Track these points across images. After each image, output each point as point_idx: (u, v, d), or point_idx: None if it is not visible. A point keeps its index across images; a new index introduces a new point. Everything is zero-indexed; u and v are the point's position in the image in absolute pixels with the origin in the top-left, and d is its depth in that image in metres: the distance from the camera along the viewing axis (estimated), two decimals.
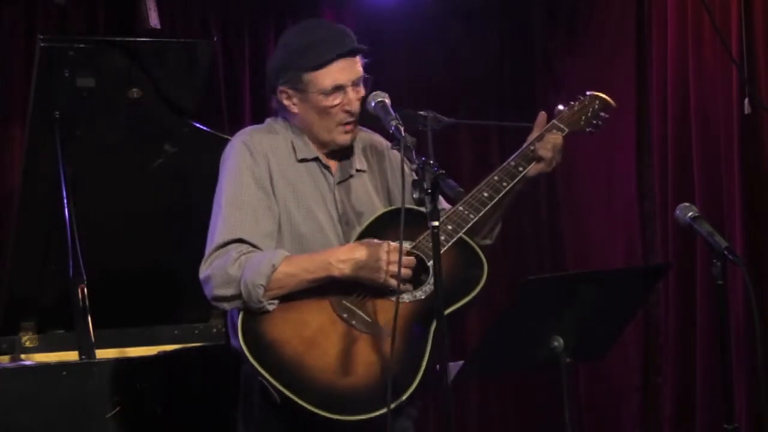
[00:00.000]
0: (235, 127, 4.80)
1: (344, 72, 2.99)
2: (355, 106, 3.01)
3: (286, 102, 3.04)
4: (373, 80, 3.04)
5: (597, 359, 3.19)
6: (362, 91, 3.02)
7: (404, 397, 2.75)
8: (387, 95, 2.96)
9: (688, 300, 4.89)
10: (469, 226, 2.96)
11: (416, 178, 2.67)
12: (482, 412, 5.77)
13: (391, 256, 2.83)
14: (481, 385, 5.69)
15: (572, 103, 3.24)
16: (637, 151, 5.29)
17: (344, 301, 2.89)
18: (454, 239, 2.93)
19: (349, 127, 3.04)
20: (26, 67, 4.71)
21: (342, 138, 3.05)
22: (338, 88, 2.99)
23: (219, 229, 2.95)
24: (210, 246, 2.95)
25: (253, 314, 2.87)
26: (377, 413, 2.73)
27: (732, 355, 4.55)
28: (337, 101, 3.00)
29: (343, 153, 3.11)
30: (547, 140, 3.09)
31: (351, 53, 3.01)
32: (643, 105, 5.23)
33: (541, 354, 2.88)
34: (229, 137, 4.00)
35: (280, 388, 2.76)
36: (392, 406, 2.70)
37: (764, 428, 4.29)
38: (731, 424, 3.01)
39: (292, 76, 3.00)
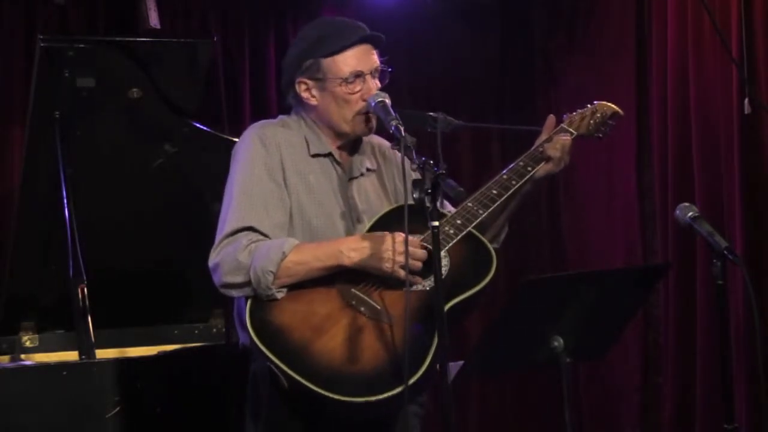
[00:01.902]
0: (235, 127, 4.84)
1: (362, 59, 3.02)
2: None
3: (304, 94, 3.05)
4: (390, 74, 3.06)
5: (597, 359, 3.19)
6: (379, 82, 3.04)
7: (410, 382, 2.73)
8: (387, 95, 2.97)
9: (688, 300, 4.89)
10: (478, 221, 2.98)
11: (417, 178, 2.68)
12: (482, 412, 5.77)
13: (399, 248, 2.85)
14: (481, 385, 5.69)
15: (580, 110, 3.26)
16: (637, 151, 5.29)
17: (353, 289, 2.90)
18: (463, 233, 2.95)
19: (368, 116, 3.04)
20: (26, 67, 4.72)
21: (361, 127, 3.06)
22: (357, 76, 3.01)
23: (230, 218, 2.95)
24: (220, 234, 2.95)
25: (261, 302, 2.87)
26: (384, 395, 2.73)
27: (732, 355, 4.56)
28: (357, 89, 3.01)
29: (356, 151, 3.12)
30: (556, 141, 3.13)
31: (367, 40, 3.04)
32: (643, 105, 5.23)
33: (541, 354, 2.88)
34: (230, 137, 4.06)
35: (288, 370, 2.76)
36: (400, 389, 2.70)
37: (764, 428, 4.30)
38: (731, 424, 3.01)
39: (310, 65, 3.02)
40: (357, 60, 3.01)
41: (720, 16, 4.64)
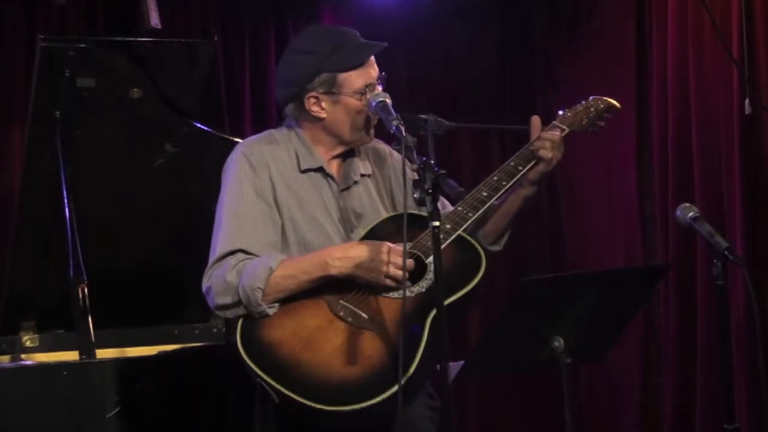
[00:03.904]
0: (235, 127, 4.85)
1: (372, 71, 3.02)
2: None
3: (314, 108, 3.02)
4: (386, 78, 3.06)
5: (598, 360, 3.19)
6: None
7: (394, 389, 2.72)
8: (388, 95, 2.97)
9: (688, 300, 4.89)
10: (467, 224, 2.96)
11: (417, 178, 2.67)
12: (482, 412, 5.77)
13: (388, 257, 2.84)
14: (481, 385, 5.69)
15: (575, 105, 3.24)
16: (637, 151, 5.29)
17: (341, 301, 2.90)
18: (453, 237, 2.93)
19: (373, 123, 3.05)
20: (26, 67, 4.72)
21: (369, 137, 3.08)
22: (369, 86, 3.01)
23: (220, 242, 2.96)
24: (211, 258, 2.96)
25: (253, 319, 2.88)
26: (374, 401, 2.73)
27: (732, 355, 4.55)
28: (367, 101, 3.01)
29: (348, 159, 3.11)
30: (545, 138, 3.08)
31: (374, 52, 3.04)
32: (643, 105, 5.23)
33: (541, 354, 2.88)
34: (230, 137, 4.06)
35: (277, 386, 2.76)
36: (387, 394, 2.71)
37: (764, 428, 4.30)
38: (731, 424, 3.01)
39: (326, 79, 3.00)
40: (369, 72, 3.01)
41: (720, 17, 4.64)
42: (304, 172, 3.05)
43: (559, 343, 2.86)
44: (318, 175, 3.06)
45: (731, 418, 3.03)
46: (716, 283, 2.99)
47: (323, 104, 3.02)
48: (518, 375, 5.39)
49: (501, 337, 2.84)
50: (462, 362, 2.81)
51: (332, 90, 3.00)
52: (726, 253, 2.96)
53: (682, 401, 4.96)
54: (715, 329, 4.43)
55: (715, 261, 2.97)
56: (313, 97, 3.02)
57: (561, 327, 2.86)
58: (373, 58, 3.04)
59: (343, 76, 2.99)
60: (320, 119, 3.04)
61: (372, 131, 3.07)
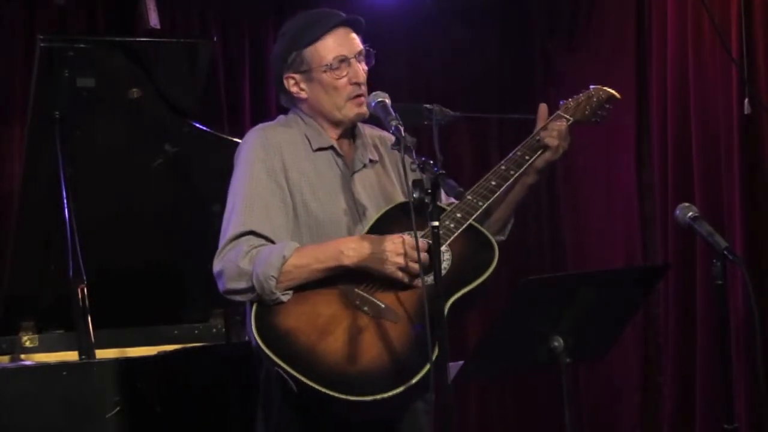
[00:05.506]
0: (235, 127, 4.86)
1: (343, 43, 3.03)
2: (362, 77, 3.03)
3: (293, 89, 3.06)
4: (375, 54, 3.06)
5: (597, 360, 3.19)
6: (365, 65, 3.05)
7: (414, 381, 2.73)
8: (387, 95, 2.96)
9: (688, 300, 4.89)
10: (478, 213, 2.98)
11: (417, 177, 2.68)
12: (482, 412, 5.77)
13: (399, 248, 2.85)
14: (481, 385, 5.70)
15: (576, 95, 3.26)
16: (637, 151, 5.30)
17: (356, 290, 2.90)
18: (464, 226, 2.94)
19: (360, 99, 3.05)
20: (26, 67, 4.72)
21: (354, 111, 3.06)
22: (342, 61, 3.01)
23: (232, 223, 2.96)
24: (223, 239, 2.96)
25: (267, 306, 2.88)
26: (392, 392, 2.72)
27: (732, 355, 4.56)
28: (343, 74, 3.02)
29: (357, 143, 3.12)
30: (551, 128, 3.11)
31: (344, 24, 3.05)
32: (643, 105, 5.23)
33: (541, 354, 2.88)
34: (229, 137, 4.06)
35: (296, 374, 2.75)
36: (402, 388, 2.71)
37: (764, 428, 4.30)
38: (731, 424, 3.01)
39: (294, 58, 3.03)
40: (338, 44, 3.02)
41: (720, 16, 4.64)
42: (316, 151, 3.07)
43: (558, 343, 2.86)
44: (330, 154, 3.08)
45: (731, 418, 3.03)
46: (716, 282, 2.98)
47: (301, 84, 3.06)
48: (518, 375, 5.40)
49: (500, 338, 2.84)
50: (462, 362, 2.81)
51: (302, 68, 3.03)
52: (725, 252, 2.95)
53: (682, 401, 4.96)
54: (715, 329, 4.43)
55: (714, 261, 2.97)
56: (290, 77, 3.06)
57: (560, 327, 2.86)
58: (351, 34, 3.05)
59: (309, 51, 3.02)
60: (305, 100, 3.07)
61: (362, 108, 3.05)
